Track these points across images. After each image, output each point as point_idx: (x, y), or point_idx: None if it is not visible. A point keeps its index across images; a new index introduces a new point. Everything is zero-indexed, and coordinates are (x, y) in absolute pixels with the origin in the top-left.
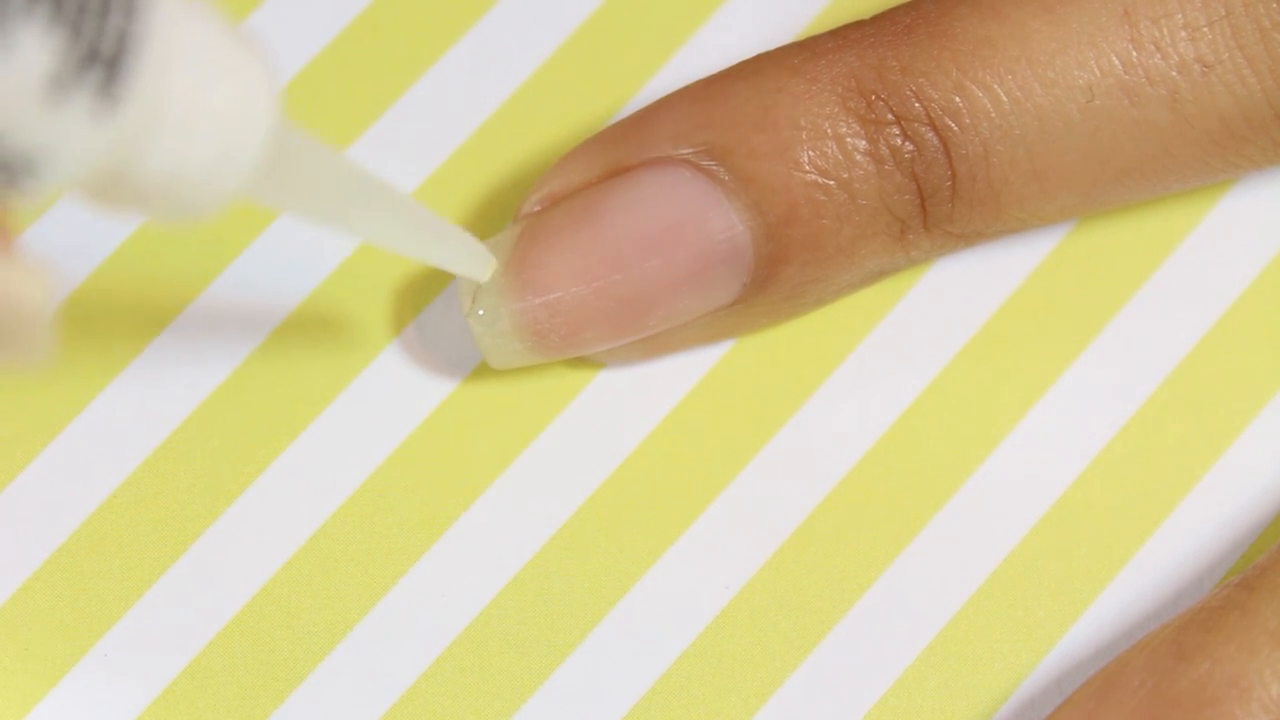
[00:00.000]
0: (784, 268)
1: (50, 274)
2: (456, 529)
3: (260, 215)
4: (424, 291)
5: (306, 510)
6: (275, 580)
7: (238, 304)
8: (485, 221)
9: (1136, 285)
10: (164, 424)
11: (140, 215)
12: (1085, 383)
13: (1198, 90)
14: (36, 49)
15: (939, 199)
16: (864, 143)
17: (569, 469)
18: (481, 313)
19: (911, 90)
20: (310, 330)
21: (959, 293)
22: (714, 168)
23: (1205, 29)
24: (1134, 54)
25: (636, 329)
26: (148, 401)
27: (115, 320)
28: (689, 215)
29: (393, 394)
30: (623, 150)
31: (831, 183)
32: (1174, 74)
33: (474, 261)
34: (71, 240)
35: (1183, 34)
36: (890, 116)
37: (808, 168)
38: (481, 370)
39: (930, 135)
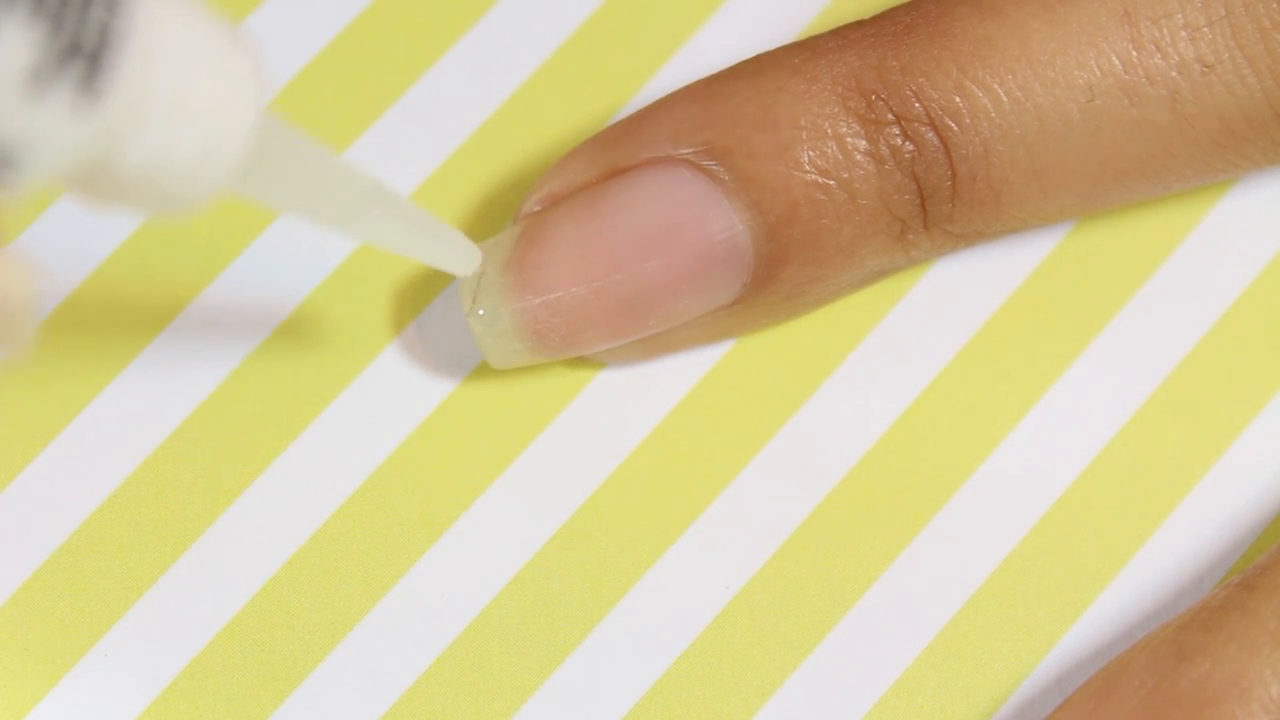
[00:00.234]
0: (784, 268)
1: (32, 268)
2: (456, 529)
3: (260, 215)
4: (424, 291)
5: (306, 510)
6: (275, 580)
7: (237, 304)
8: (485, 221)
9: (1136, 285)
10: (164, 424)
11: (127, 210)
12: (1085, 383)
13: (1198, 90)
14: (17, 41)
15: (939, 199)
16: (864, 142)
17: (569, 469)
18: (481, 312)
19: (912, 90)
20: (310, 330)
21: (959, 293)
22: (714, 168)
23: (1205, 29)
24: (1134, 54)
25: (636, 329)
26: (147, 401)
27: (115, 320)
28: (689, 215)
29: (393, 394)
30: (623, 150)
31: (832, 183)
32: (1174, 74)
33: (461, 257)
34: (71, 240)
35: (1183, 34)
36: (890, 116)
37: (808, 167)
38: (481, 370)
39: (930, 135)
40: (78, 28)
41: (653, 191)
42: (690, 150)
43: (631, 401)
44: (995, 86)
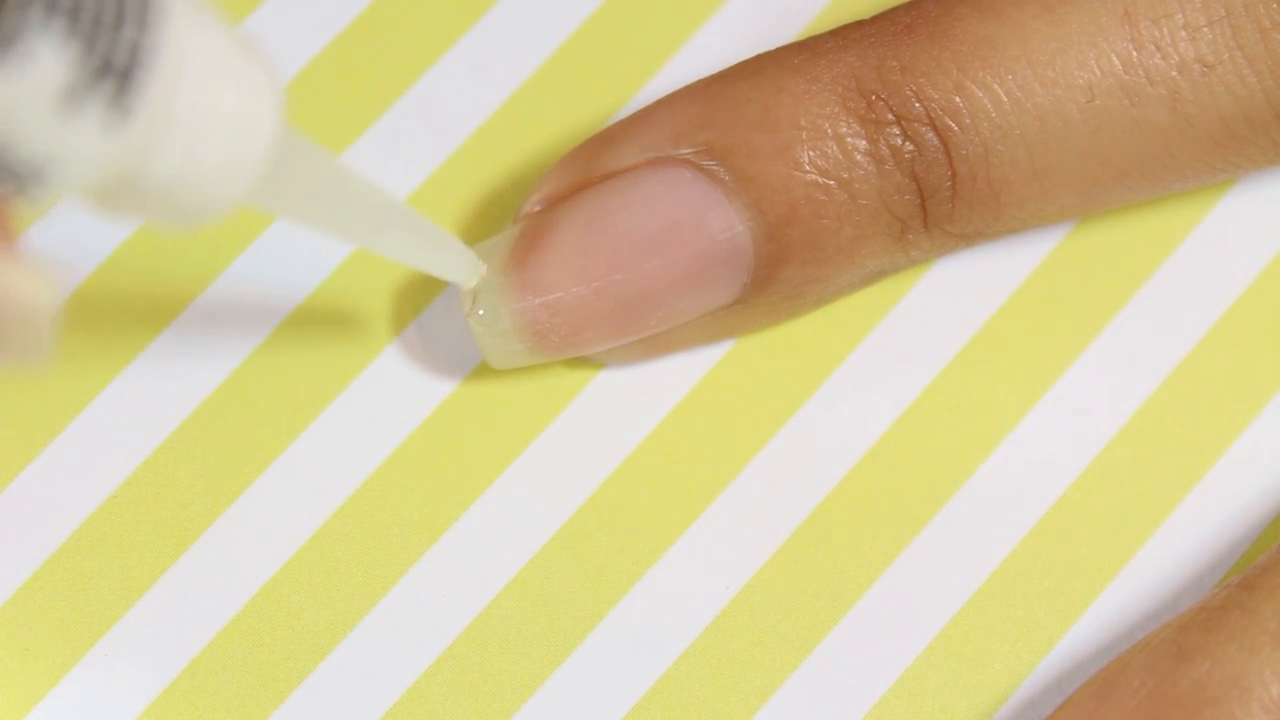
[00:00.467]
0: (784, 268)
1: (54, 275)
2: (456, 529)
3: (260, 215)
4: (424, 291)
5: (306, 510)
6: (275, 580)
7: (238, 304)
8: (485, 221)
9: (1136, 285)
10: (164, 424)
11: (144, 220)
12: (1085, 382)
13: (1198, 90)
14: (52, 61)
15: (939, 199)
16: (864, 143)
17: (569, 469)
18: (481, 313)
19: (912, 90)
20: (310, 330)
21: (959, 293)
22: (714, 168)
23: (1205, 29)
24: (1134, 54)
25: (637, 329)
26: (148, 401)
27: (115, 320)
28: (689, 215)
29: (393, 394)
30: (623, 150)
31: (832, 183)
32: (1174, 74)
33: (465, 268)
34: (71, 240)
35: (1183, 34)
36: (890, 116)
37: (808, 168)
38: (481, 370)
39: (930, 135)
40: (110, 47)
41: (653, 191)
42: (690, 150)
43: (631, 401)
44: (995, 86)
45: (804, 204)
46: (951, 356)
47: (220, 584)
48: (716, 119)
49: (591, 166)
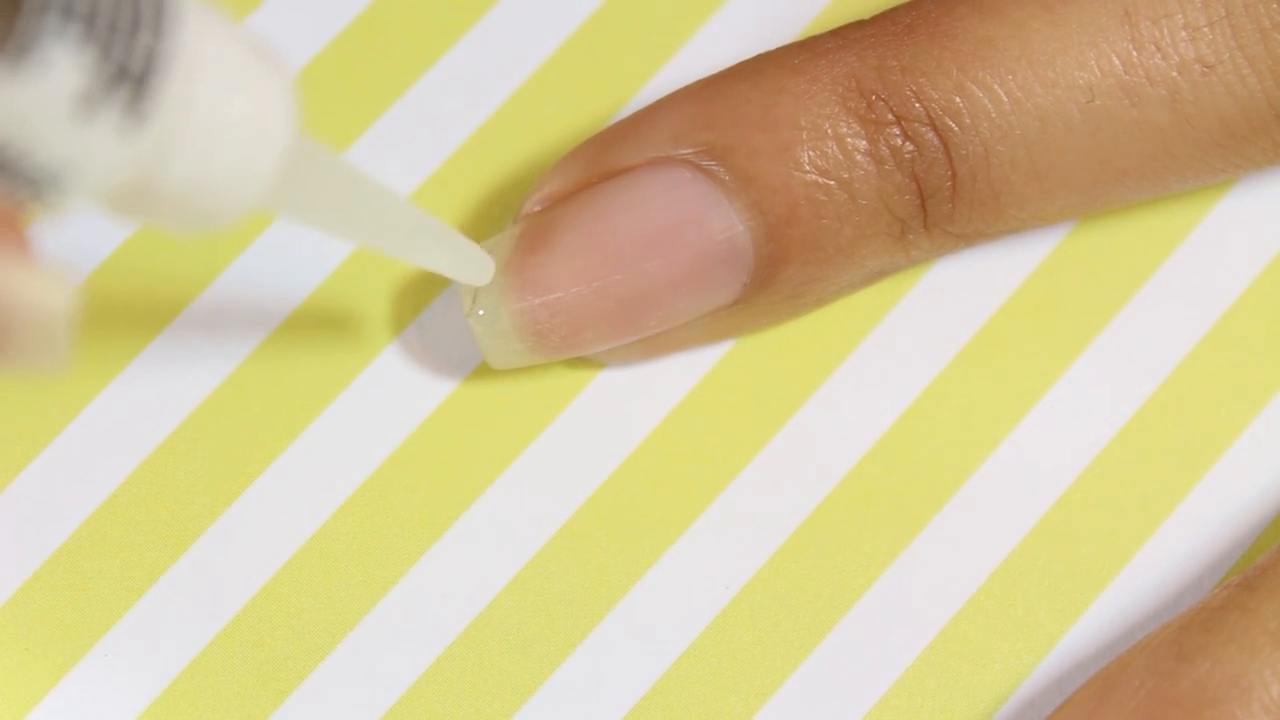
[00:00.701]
0: (784, 268)
1: (68, 280)
2: (456, 529)
3: (260, 216)
4: (424, 291)
5: (306, 510)
6: (275, 580)
7: (238, 304)
8: (485, 221)
9: (1136, 285)
10: (164, 424)
11: (157, 224)
12: (1085, 383)
13: (1198, 90)
14: (67, 67)
15: (939, 199)
16: (864, 143)
17: (569, 469)
18: (481, 313)
19: (912, 90)
20: (310, 330)
21: (959, 293)
22: (714, 168)
23: (1205, 29)
24: (1134, 54)
25: (637, 329)
26: (148, 401)
27: (115, 320)
28: (689, 215)
29: (393, 394)
30: (623, 150)
31: (832, 183)
32: (1174, 74)
33: (477, 268)
34: (71, 240)
35: (1183, 34)
36: (890, 116)
37: (808, 168)
38: (481, 370)
39: (930, 135)
40: (125, 53)
41: (653, 192)
42: (690, 150)
43: (631, 401)
44: (995, 87)
45: (804, 204)
46: (951, 356)
47: (220, 584)
48: (716, 119)
49: (592, 166)
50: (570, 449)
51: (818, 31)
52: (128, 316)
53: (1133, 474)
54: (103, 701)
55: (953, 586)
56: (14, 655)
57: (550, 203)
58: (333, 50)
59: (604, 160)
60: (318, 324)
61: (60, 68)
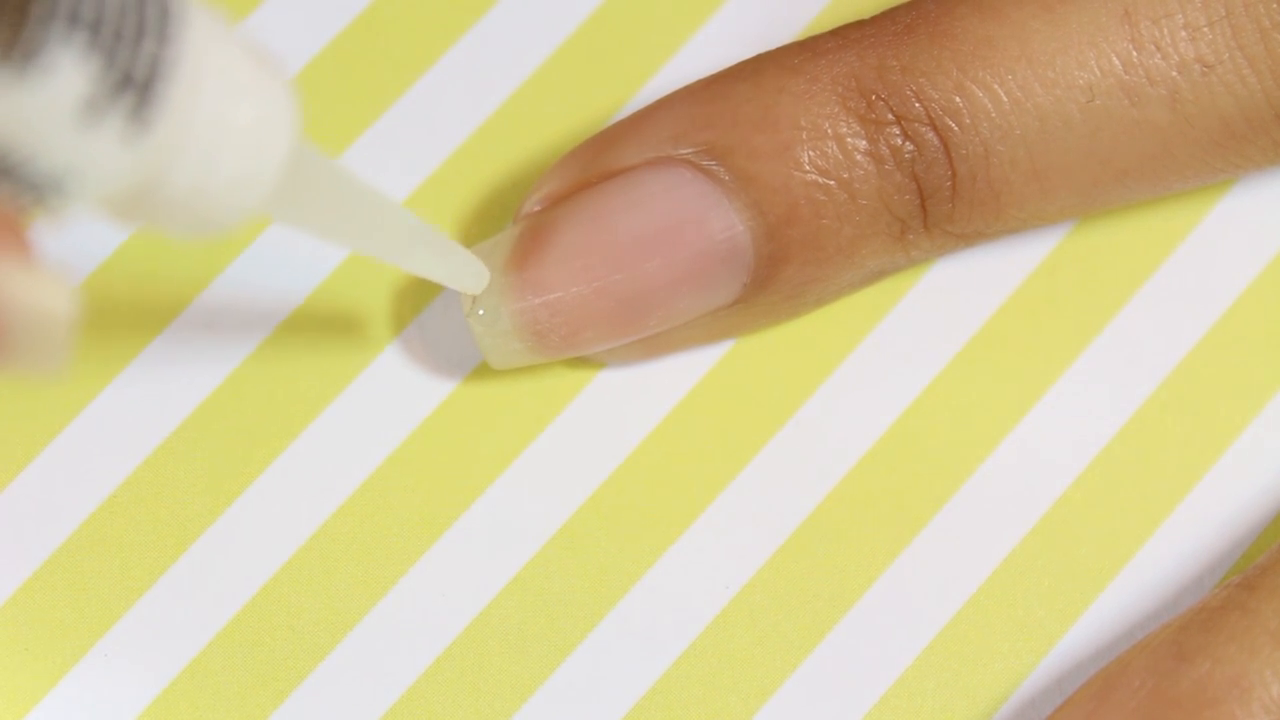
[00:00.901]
0: (784, 267)
1: (69, 283)
2: (456, 529)
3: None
4: (424, 291)
5: (306, 510)
6: (275, 580)
7: (237, 304)
8: (485, 221)
9: (1136, 285)
10: (164, 424)
11: (159, 229)
12: (1085, 383)
13: (1198, 90)
14: (72, 73)
15: (939, 199)
16: (864, 143)
17: (569, 469)
18: (481, 313)
19: (912, 90)
20: (310, 330)
21: (959, 293)
22: (714, 168)
23: (1205, 29)
24: (1134, 54)
25: (636, 329)
26: (148, 401)
27: (115, 320)
28: (689, 215)
29: (393, 394)
30: (623, 150)
31: (832, 183)
32: (1174, 74)
33: (472, 277)
34: (71, 240)
35: (1183, 34)
36: (890, 116)
37: (808, 168)
38: (481, 370)
39: (930, 135)
40: (130, 60)
41: (653, 191)
42: (690, 150)
43: (631, 401)
44: (995, 87)
45: (804, 204)
46: (952, 356)
47: (220, 584)
48: (716, 119)
49: (592, 166)
50: (570, 449)
51: (818, 31)
52: (127, 317)
53: (1133, 474)
54: (102, 701)
55: (953, 586)
56: (14, 655)
57: (550, 203)
58: (332, 51)
59: (604, 160)
60: (317, 324)
61: (65, 74)
